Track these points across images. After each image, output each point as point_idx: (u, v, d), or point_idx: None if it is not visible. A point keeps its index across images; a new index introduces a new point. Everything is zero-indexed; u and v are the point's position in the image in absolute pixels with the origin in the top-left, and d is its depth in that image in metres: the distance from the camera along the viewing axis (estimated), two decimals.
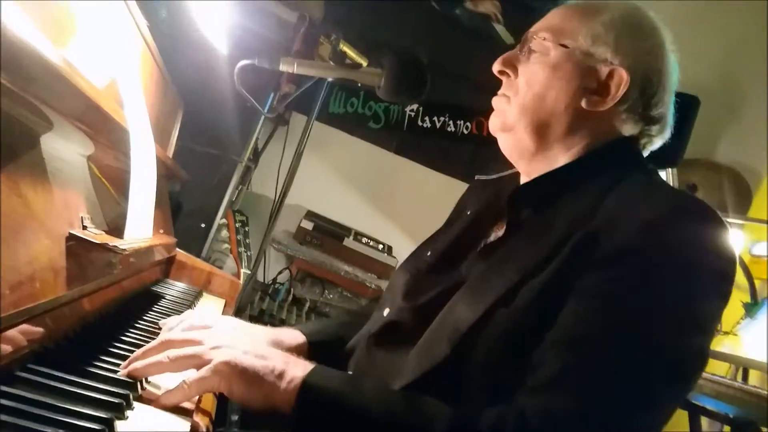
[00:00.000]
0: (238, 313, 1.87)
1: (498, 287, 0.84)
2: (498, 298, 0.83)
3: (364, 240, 2.67)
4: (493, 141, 1.03)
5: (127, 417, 0.66)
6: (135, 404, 0.70)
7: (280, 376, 0.77)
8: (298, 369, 0.78)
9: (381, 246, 2.71)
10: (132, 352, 0.84)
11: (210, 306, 1.78)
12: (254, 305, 2.17)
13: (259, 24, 2.17)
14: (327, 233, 2.59)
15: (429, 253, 1.10)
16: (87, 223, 0.86)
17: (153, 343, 0.83)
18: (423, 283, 1.02)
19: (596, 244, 0.80)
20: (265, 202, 2.78)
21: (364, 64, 2.71)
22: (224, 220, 2.06)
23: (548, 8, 1.05)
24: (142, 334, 1.00)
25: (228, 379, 0.75)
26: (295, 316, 2.27)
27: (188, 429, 0.69)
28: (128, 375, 0.75)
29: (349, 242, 2.60)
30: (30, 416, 0.55)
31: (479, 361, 0.82)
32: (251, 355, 0.77)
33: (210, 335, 0.82)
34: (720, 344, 2.15)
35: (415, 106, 3.03)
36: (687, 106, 2.91)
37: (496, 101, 1.02)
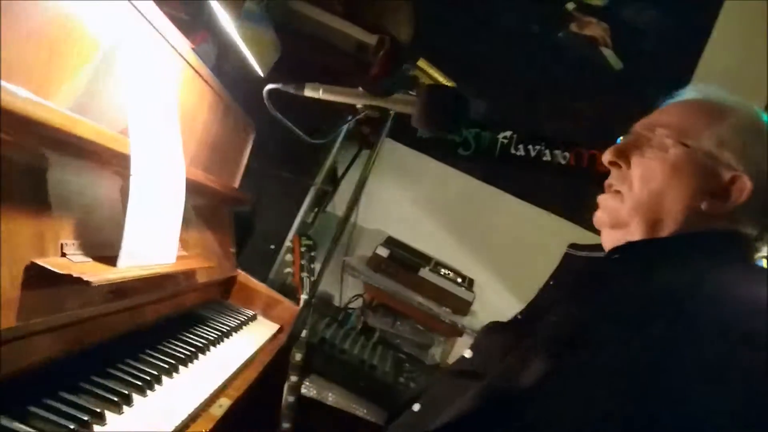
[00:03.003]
0: (292, 339, 1.83)
1: (578, 340, 0.83)
2: (575, 351, 0.82)
3: (443, 272, 2.55)
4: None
5: None
6: None
7: None
8: None
9: (460, 279, 2.57)
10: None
11: (261, 330, 1.76)
12: (317, 332, 2.13)
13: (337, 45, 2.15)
14: (402, 262, 2.50)
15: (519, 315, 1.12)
16: (70, 249, 0.85)
17: None
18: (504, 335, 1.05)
19: (688, 320, 0.78)
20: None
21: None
22: (290, 244, 2.03)
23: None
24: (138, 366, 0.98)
25: None
26: (359, 346, 2.20)
27: None
28: None
29: (424, 273, 2.49)
30: None
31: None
32: None
33: None
34: None
35: (508, 133, 2.88)
36: None
37: (605, 198, 1.02)
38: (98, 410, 0.78)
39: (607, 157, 1.02)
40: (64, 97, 0.87)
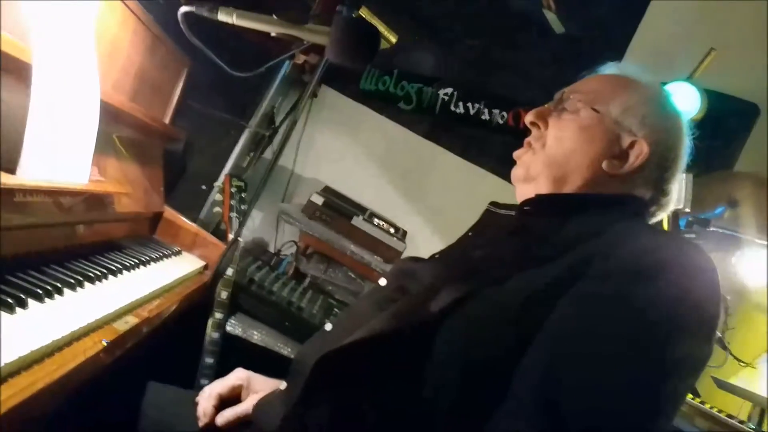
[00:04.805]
0: (217, 276, 1.86)
1: (491, 273, 0.89)
2: (488, 281, 0.87)
3: (376, 221, 2.60)
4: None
5: None
6: None
7: None
8: None
9: (393, 229, 2.63)
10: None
11: (183, 264, 1.78)
12: (247, 273, 2.15)
13: None
14: (336, 210, 2.53)
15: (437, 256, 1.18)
16: None
17: None
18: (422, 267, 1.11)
19: (593, 263, 0.83)
20: (283, 172, 2.76)
21: (394, 40, 2.62)
22: (221, 185, 2.04)
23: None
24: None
25: None
26: (289, 289, 2.24)
27: None
28: None
29: (358, 222, 2.53)
30: None
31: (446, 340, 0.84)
32: None
33: None
34: (735, 376, 1.94)
35: (449, 90, 2.92)
36: (747, 113, 2.66)
37: (520, 153, 1.12)
38: None
39: (528, 118, 1.12)
40: None
